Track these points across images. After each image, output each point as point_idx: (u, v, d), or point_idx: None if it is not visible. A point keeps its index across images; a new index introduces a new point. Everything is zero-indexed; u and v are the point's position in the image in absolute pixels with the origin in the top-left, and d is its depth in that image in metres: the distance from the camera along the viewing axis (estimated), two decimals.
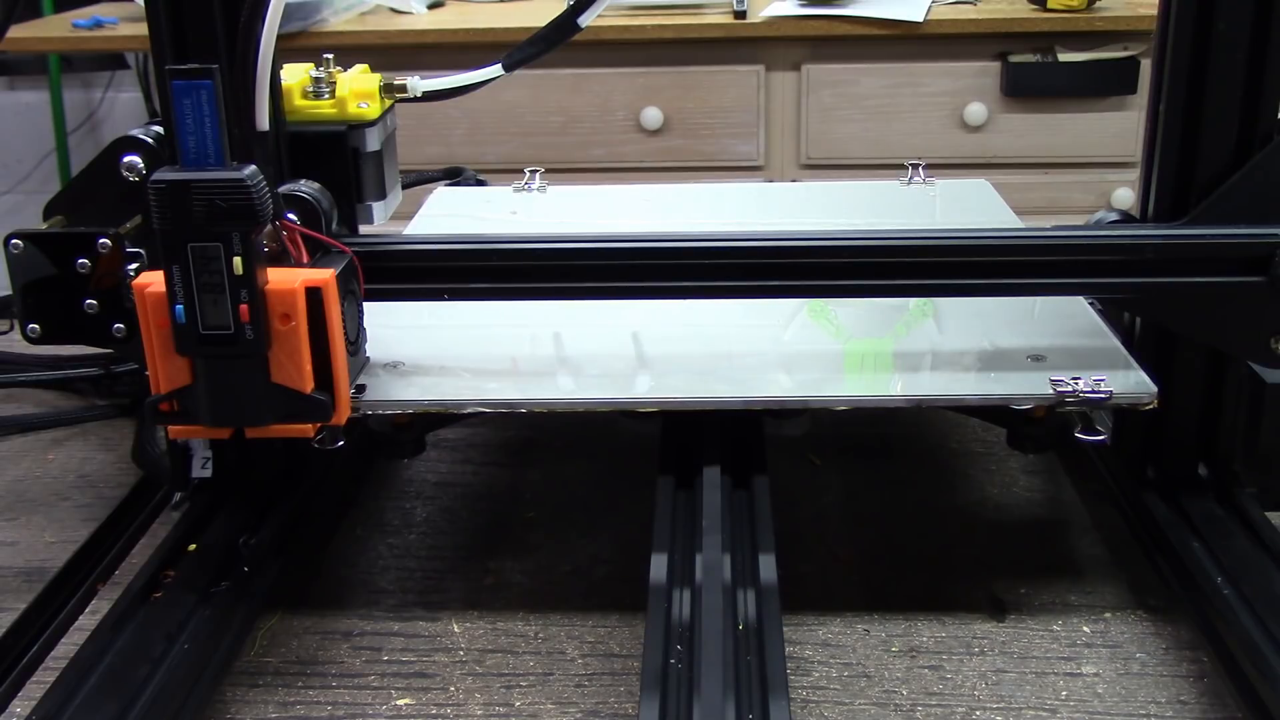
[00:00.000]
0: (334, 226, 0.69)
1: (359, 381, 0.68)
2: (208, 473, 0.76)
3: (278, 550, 0.71)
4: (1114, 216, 0.72)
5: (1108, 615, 0.70)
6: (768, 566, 0.64)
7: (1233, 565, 0.65)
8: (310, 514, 0.76)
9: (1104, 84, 1.74)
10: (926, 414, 0.92)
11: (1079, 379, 0.67)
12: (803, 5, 1.73)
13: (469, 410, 0.69)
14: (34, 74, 2.49)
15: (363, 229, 0.74)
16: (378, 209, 0.74)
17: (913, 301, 0.78)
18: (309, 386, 0.61)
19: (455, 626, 0.71)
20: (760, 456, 0.73)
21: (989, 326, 0.75)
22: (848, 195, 1.02)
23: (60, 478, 0.89)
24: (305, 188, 0.67)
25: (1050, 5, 1.70)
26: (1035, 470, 0.86)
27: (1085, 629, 0.69)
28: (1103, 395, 0.66)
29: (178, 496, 0.80)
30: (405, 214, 0.90)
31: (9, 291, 0.72)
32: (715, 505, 0.67)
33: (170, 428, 0.64)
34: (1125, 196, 1.78)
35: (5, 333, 1.00)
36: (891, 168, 1.25)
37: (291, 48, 1.66)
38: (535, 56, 0.70)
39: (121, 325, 0.71)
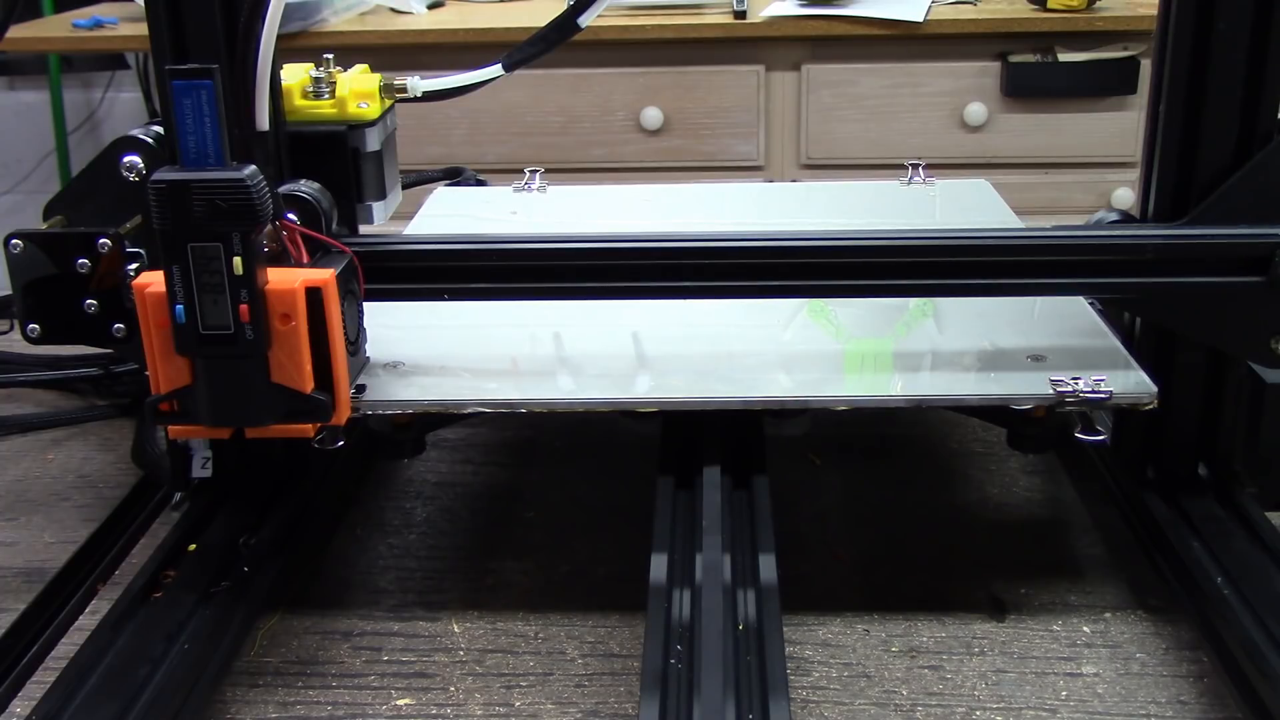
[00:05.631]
0: (334, 226, 0.69)
1: (359, 381, 0.68)
2: (208, 473, 0.76)
3: (278, 550, 0.71)
4: (1114, 216, 0.72)
5: (1108, 615, 0.70)
6: (768, 566, 0.64)
7: (1233, 565, 0.65)
8: (310, 514, 0.76)
9: (1104, 84, 1.74)
10: (926, 414, 0.92)
11: (1079, 379, 0.67)
12: (803, 5, 1.73)
13: (469, 410, 0.69)
14: (34, 74, 2.49)
15: (363, 229, 0.74)
16: (378, 209, 0.74)
17: (913, 301, 0.78)
18: (309, 386, 0.61)
19: (455, 626, 0.71)
20: (760, 456, 0.73)
21: (989, 326, 0.75)
22: (848, 195, 1.02)
23: (60, 478, 0.89)
24: (305, 188, 0.67)
25: (1050, 5, 1.70)
26: (1035, 470, 0.86)
27: (1085, 629, 0.69)
28: (1103, 395, 0.66)
29: (178, 496, 0.80)
30: (405, 214, 0.90)
31: (9, 291, 0.72)
32: (715, 505, 0.67)
33: (170, 428, 0.64)
34: (1125, 196, 1.78)
35: (5, 333, 1.00)
36: (891, 168, 1.24)
37: (291, 48, 1.66)
38: (535, 56, 0.70)
39: (121, 325, 0.71)
